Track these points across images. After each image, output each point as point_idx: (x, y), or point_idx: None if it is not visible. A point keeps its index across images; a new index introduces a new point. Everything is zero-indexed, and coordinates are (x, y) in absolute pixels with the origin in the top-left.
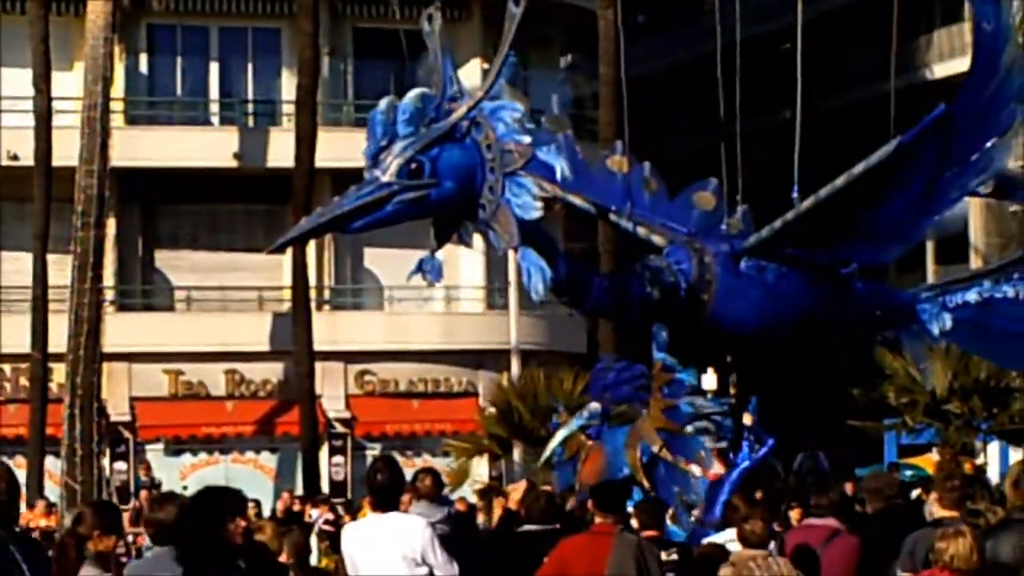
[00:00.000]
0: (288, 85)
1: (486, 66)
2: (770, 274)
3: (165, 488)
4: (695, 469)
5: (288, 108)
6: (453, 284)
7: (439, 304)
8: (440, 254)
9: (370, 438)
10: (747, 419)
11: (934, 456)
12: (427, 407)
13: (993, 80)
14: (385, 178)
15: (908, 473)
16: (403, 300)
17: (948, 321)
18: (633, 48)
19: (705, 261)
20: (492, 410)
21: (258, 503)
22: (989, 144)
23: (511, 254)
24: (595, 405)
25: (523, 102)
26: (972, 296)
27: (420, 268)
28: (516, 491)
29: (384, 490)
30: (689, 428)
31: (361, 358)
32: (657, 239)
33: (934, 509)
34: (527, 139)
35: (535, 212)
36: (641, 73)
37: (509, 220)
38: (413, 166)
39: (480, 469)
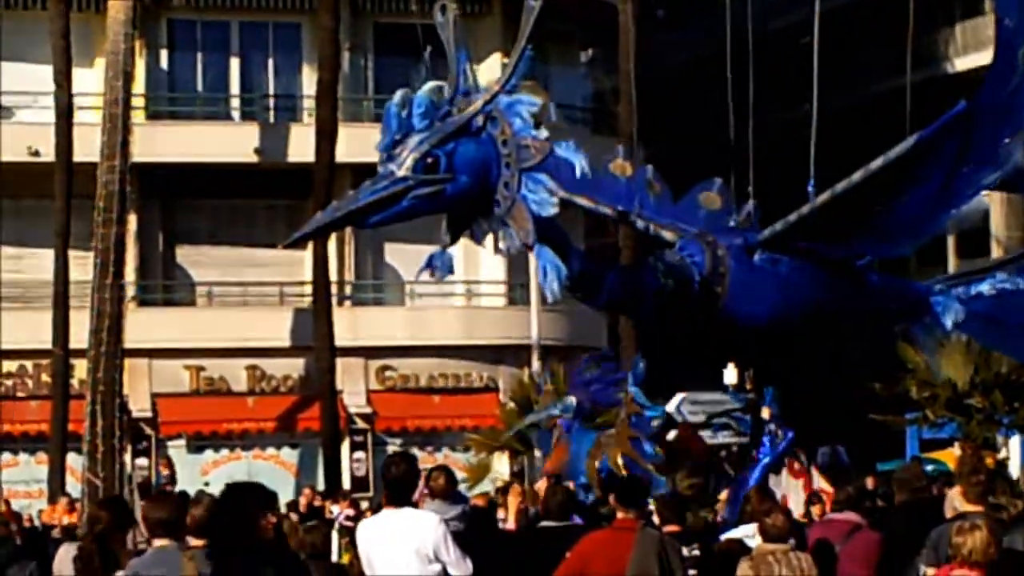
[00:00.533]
0: (308, 80)
1: (506, 61)
2: (783, 267)
3: (187, 484)
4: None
5: (308, 103)
6: (474, 279)
7: (460, 299)
8: (456, 249)
9: (391, 433)
10: (765, 413)
11: (956, 451)
12: (448, 402)
13: (1014, 76)
14: (400, 172)
15: (929, 468)
16: (424, 295)
17: (961, 313)
18: (652, 43)
19: (718, 254)
20: (512, 405)
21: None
22: (1008, 140)
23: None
24: (571, 399)
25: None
26: (985, 288)
27: (430, 263)
28: (542, 488)
29: (398, 483)
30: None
31: (382, 353)
32: (668, 235)
33: (958, 503)
34: (544, 134)
35: (552, 208)
36: (660, 67)
37: (525, 217)
38: (429, 160)
39: (500, 465)
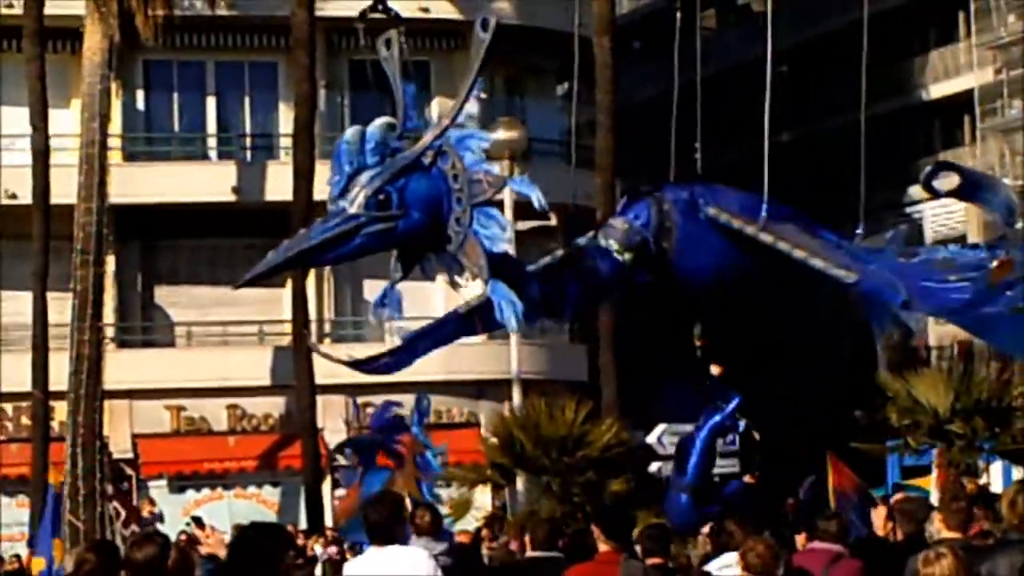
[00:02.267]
0: (285, 119)
1: (483, 95)
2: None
3: (169, 525)
4: None
5: (286, 142)
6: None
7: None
8: (436, 285)
9: None
10: (715, 369)
11: (933, 472)
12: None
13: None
14: (352, 210)
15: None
16: (403, 331)
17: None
18: (628, 75)
19: (664, 209)
20: (494, 440)
21: None
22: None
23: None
24: (369, 436)
25: (521, 130)
26: (935, 255)
27: (382, 302)
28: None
29: (380, 528)
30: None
31: (363, 390)
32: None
33: (937, 530)
34: (496, 169)
35: (504, 244)
36: (636, 99)
37: (478, 252)
38: (380, 197)
39: (483, 499)
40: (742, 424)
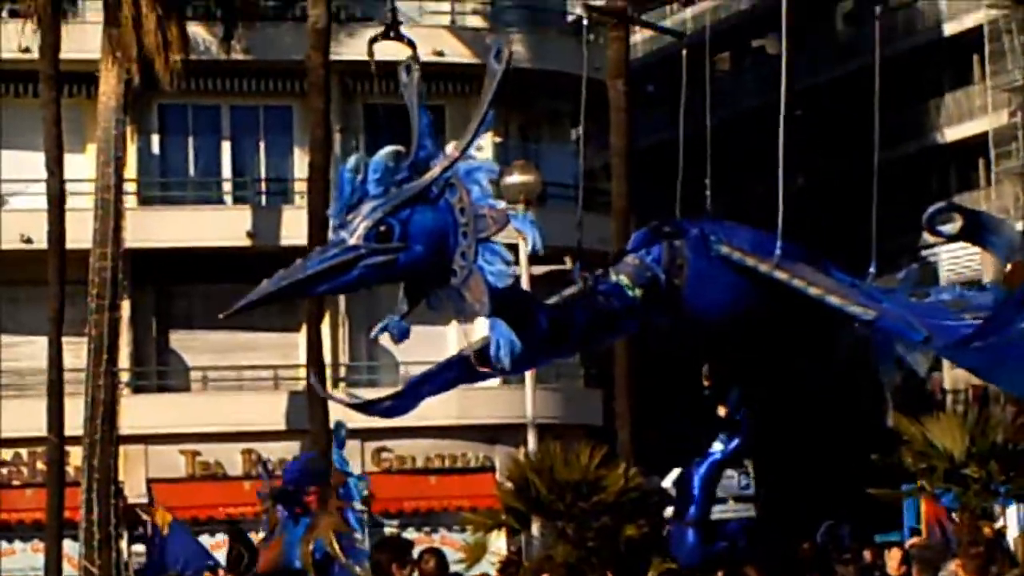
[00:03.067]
0: (300, 163)
1: (498, 139)
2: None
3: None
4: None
5: (301, 186)
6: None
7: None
8: (450, 328)
9: (387, 515)
10: (721, 410)
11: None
12: (444, 483)
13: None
14: (352, 241)
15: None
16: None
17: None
18: (643, 118)
19: (676, 245)
20: (509, 485)
21: None
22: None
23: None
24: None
25: (536, 175)
26: (946, 296)
27: (385, 328)
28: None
29: (384, 570)
30: None
31: (377, 435)
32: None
33: (954, 574)
34: (502, 204)
35: (508, 280)
36: (651, 143)
37: (481, 288)
38: (382, 228)
39: (498, 544)
40: (748, 469)
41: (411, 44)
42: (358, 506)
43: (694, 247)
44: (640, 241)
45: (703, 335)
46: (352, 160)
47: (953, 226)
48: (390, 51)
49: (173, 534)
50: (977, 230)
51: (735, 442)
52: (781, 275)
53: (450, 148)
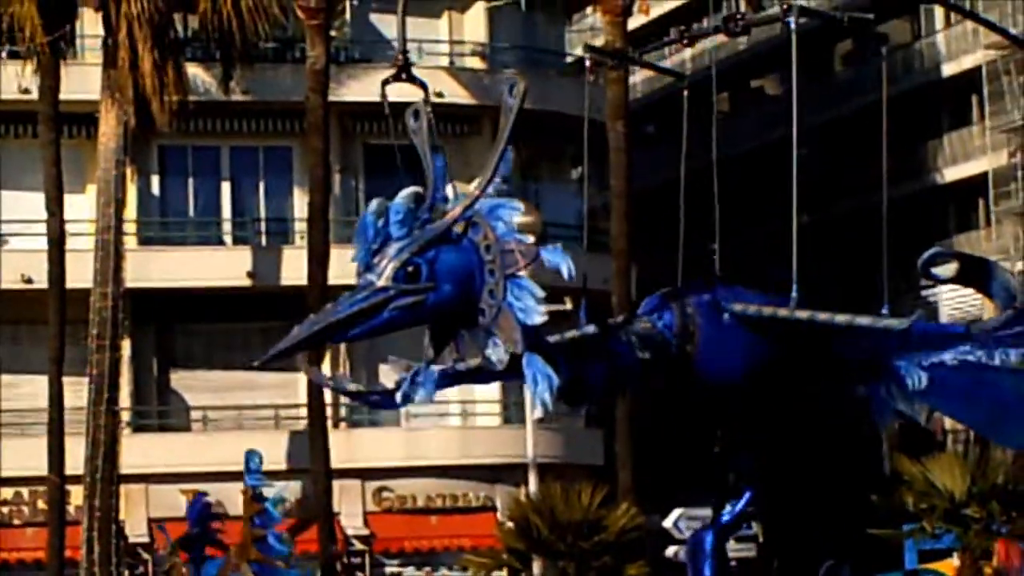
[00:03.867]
0: (300, 203)
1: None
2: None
3: None
4: None
5: (300, 226)
6: (469, 399)
7: (455, 419)
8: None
9: (389, 555)
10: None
11: (955, 561)
12: (445, 523)
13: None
14: (381, 282)
15: None
16: (419, 415)
17: (924, 379)
18: (643, 159)
19: (688, 312)
20: (510, 524)
21: None
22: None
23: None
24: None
25: (536, 216)
26: (947, 358)
27: (413, 380)
28: None
29: None
30: None
31: (378, 475)
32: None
33: None
34: (530, 239)
35: (538, 317)
36: (651, 183)
37: (512, 325)
38: (410, 269)
39: None
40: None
41: (423, 87)
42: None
43: (705, 314)
44: (651, 306)
45: (716, 400)
46: (374, 204)
47: (949, 270)
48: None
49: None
50: (973, 274)
51: (740, 504)
52: (802, 315)
53: (472, 186)
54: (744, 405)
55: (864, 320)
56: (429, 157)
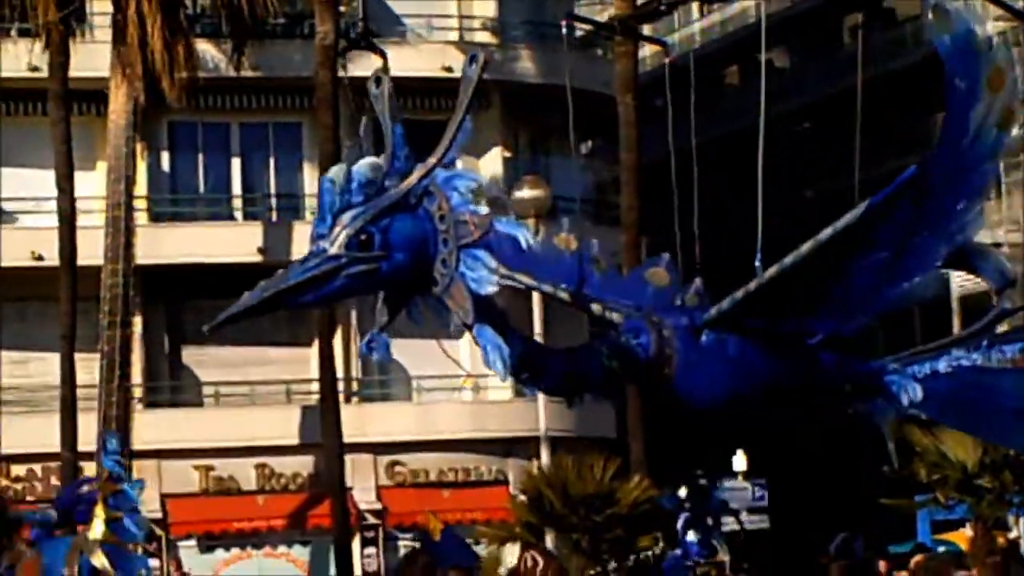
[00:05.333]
0: (310, 179)
1: (507, 154)
2: (732, 348)
3: None
4: None
5: (311, 202)
6: (480, 372)
7: (467, 393)
8: (463, 342)
9: (402, 528)
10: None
11: (967, 532)
12: (458, 496)
13: (965, 139)
14: (333, 250)
15: (941, 549)
16: (431, 390)
17: (918, 392)
18: (652, 131)
19: (664, 335)
20: (523, 498)
21: None
22: (962, 207)
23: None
24: (51, 512)
25: (547, 189)
26: (942, 366)
27: (368, 346)
28: None
29: None
30: None
31: (391, 449)
32: (616, 317)
33: None
34: (484, 210)
35: (491, 287)
36: (660, 157)
37: (464, 295)
38: (363, 237)
39: (512, 557)
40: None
41: (383, 55)
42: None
43: (682, 337)
44: (634, 325)
45: (698, 422)
46: (331, 171)
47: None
48: (407, 65)
49: (445, 539)
50: (963, 257)
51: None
52: (771, 272)
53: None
54: (730, 423)
55: (827, 230)
56: (389, 125)
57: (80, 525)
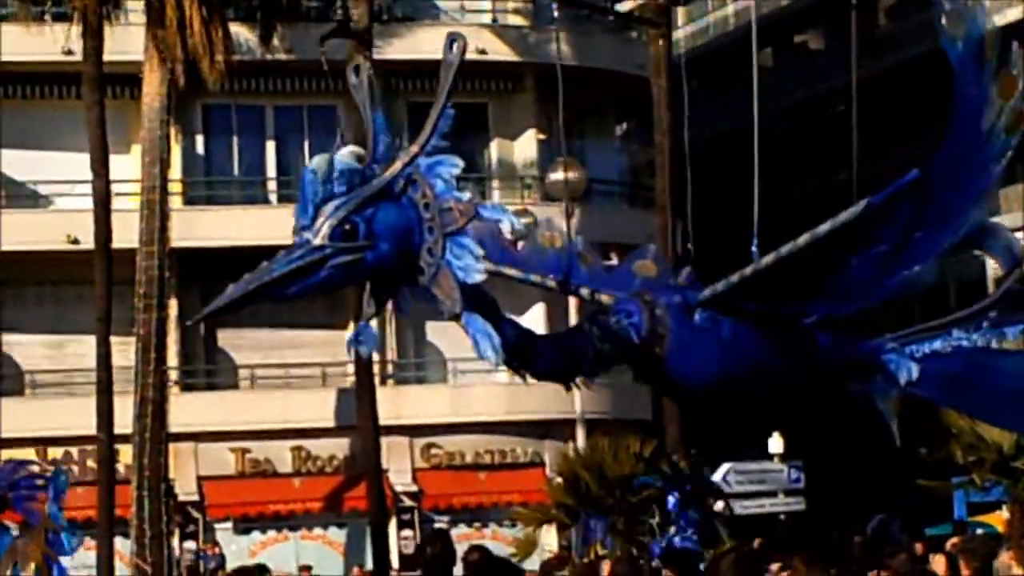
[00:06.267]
0: None
1: (541, 137)
2: (725, 327)
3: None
4: None
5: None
6: None
7: (503, 375)
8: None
9: (438, 511)
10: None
11: (1004, 514)
12: (494, 479)
13: (972, 143)
14: (317, 241)
15: (978, 531)
16: (467, 372)
17: (915, 371)
18: (687, 114)
19: (657, 314)
20: (559, 480)
21: None
22: (966, 206)
23: (572, 318)
24: None
25: (580, 170)
26: (939, 345)
27: (356, 338)
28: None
29: (438, 561)
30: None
31: (426, 431)
32: (606, 299)
33: (1006, 565)
34: (467, 196)
35: (478, 275)
36: (696, 139)
37: (451, 284)
38: (347, 227)
39: (548, 539)
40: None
41: (364, 43)
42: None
43: (676, 316)
44: (626, 305)
45: (691, 402)
46: (314, 161)
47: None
48: (432, 49)
49: None
50: (975, 235)
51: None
52: (767, 259)
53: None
54: (724, 404)
55: (823, 226)
56: (370, 115)
57: (12, 513)
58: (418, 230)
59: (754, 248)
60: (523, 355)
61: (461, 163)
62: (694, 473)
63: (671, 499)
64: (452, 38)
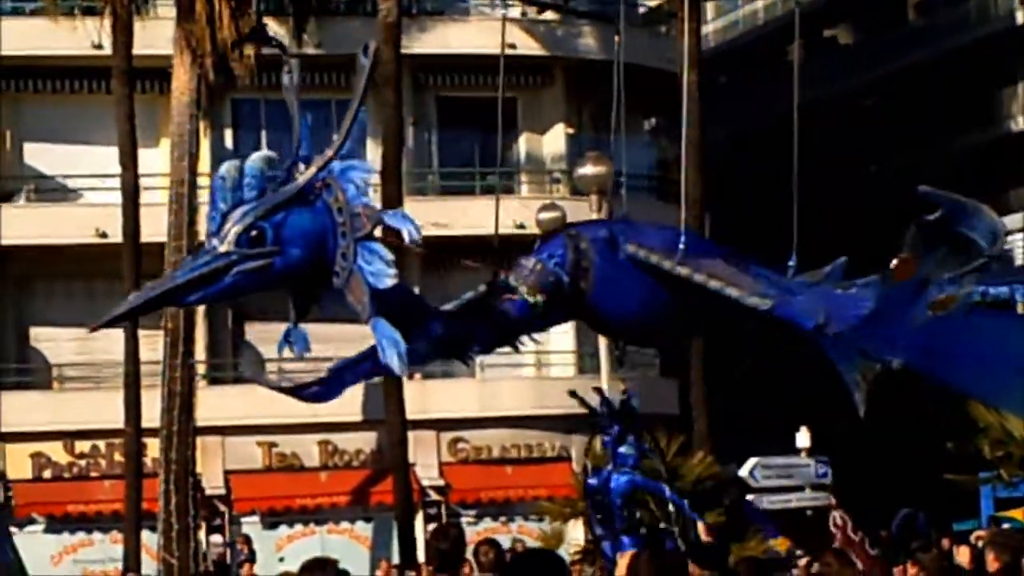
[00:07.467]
0: (373, 155)
1: (570, 131)
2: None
3: (261, 561)
4: None
5: (373, 178)
6: (543, 349)
7: (530, 369)
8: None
9: (464, 505)
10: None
11: None
12: (521, 473)
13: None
14: (223, 247)
15: (1005, 526)
16: (493, 366)
17: (821, 316)
18: (715, 109)
19: (581, 247)
20: None
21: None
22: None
23: None
24: None
25: (608, 165)
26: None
27: (286, 340)
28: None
29: (448, 555)
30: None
31: (453, 426)
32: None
33: None
34: (373, 202)
35: (388, 280)
36: (723, 134)
37: (362, 289)
38: (254, 233)
39: (575, 533)
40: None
41: (279, 46)
42: None
43: (600, 250)
44: (542, 246)
45: (615, 336)
46: (223, 167)
47: (934, 213)
48: (468, 43)
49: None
50: (958, 216)
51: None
52: (683, 271)
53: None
54: (649, 338)
55: (732, 292)
56: (297, 116)
57: None
58: (332, 235)
59: (681, 245)
60: (455, 349)
61: (374, 168)
62: (624, 410)
63: (607, 437)
64: (366, 45)
